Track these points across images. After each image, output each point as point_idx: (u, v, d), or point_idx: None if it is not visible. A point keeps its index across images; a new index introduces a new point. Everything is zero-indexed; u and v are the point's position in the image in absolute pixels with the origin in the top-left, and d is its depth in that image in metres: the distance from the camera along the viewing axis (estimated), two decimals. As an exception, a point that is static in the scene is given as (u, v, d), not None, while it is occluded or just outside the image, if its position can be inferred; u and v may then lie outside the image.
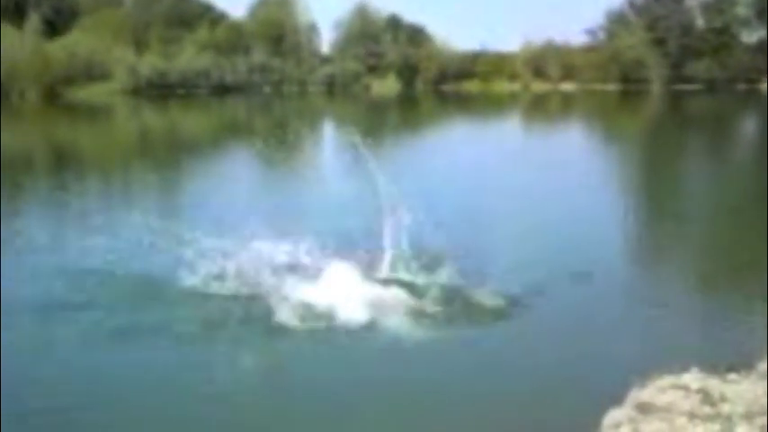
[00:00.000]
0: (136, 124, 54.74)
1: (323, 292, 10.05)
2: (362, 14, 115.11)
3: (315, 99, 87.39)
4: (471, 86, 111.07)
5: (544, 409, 7.16)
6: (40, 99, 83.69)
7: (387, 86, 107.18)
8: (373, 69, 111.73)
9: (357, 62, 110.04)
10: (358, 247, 11.35)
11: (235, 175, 25.30)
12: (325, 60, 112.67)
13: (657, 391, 6.57)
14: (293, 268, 10.87)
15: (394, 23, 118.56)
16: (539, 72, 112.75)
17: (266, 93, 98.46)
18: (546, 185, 21.31)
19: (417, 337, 9.04)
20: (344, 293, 9.92)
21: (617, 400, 6.45)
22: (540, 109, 73.88)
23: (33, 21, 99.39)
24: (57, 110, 69.22)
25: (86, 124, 54.02)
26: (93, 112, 66.03)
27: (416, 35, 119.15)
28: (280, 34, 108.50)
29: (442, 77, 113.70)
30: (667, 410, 6.17)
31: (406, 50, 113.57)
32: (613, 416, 6.27)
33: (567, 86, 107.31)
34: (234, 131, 46.27)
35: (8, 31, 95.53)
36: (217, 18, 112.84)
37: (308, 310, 9.58)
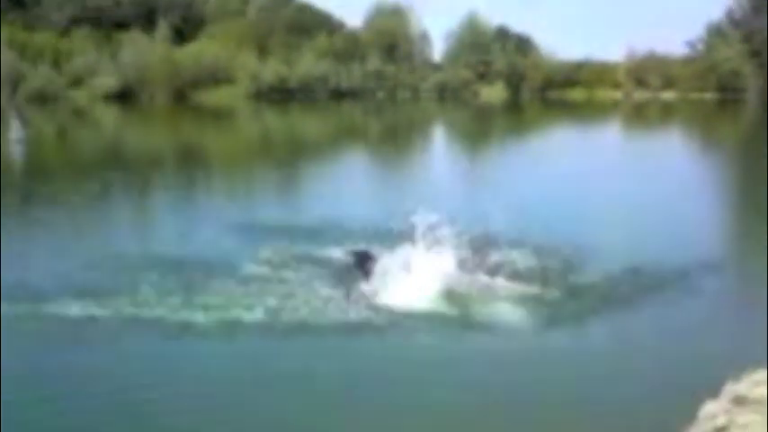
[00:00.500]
0: (258, 126, 56.17)
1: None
2: (472, 25, 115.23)
3: (426, 104, 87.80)
4: (575, 94, 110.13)
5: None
6: (169, 102, 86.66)
7: (494, 93, 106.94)
8: (482, 77, 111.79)
9: (467, 70, 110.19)
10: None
11: (350, 173, 25.80)
12: (437, 68, 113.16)
13: (752, 384, 6.60)
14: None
15: (502, 33, 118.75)
16: (640, 81, 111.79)
17: (380, 98, 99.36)
18: (648, 190, 21.04)
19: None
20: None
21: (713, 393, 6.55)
22: (640, 117, 72.51)
23: (163, 29, 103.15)
24: (183, 112, 71.50)
25: (211, 126, 55.68)
26: (218, 115, 68.01)
27: (523, 45, 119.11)
28: (394, 43, 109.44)
29: (548, 85, 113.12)
30: (760, 403, 6.22)
31: (513, 59, 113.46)
32: (709, 408, 6.36)
33: (667, 95, 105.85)
34: (350, 134, 47.03)
35: (140, 38, 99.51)
36: (335, 27, 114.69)
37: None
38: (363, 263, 11.32)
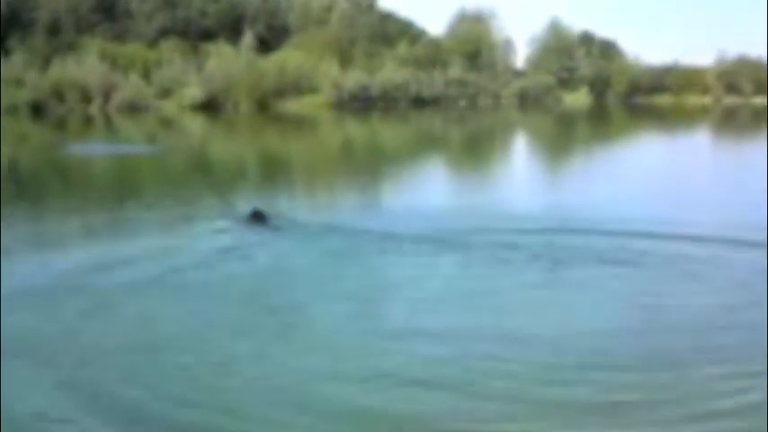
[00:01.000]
0: (339, 134, 56.23)
1: None
2: (556, 30, 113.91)
3: (508, 111, 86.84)
4: (662, 100, 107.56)
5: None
6: (252, 111, 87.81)
7: (578, 99, 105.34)
8: (566, 83, 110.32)
9: (550, 76, 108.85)
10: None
11: (430, 180, 25.35)
12: (519, 74, 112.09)
13: None
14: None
15: (587, 38, 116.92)
16: (731, 86, 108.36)
17: (461, 105, 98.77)
18: (741, 198, 19.97)
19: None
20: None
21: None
22: (731, 122, 70.10)
23: (248, 39, 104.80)
24: (266, 121, 72.22)
25: (294, 134, 56.01)
26: (300, 123, 68.47)
27: (608, 49, 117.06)
28: (476, 49, 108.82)
29: (634, 91, 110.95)
30: None
31: (598, 64, 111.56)
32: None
33: (759, 101, 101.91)
34: (430, 141, 46.59)
35: (225, 48, 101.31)
36: (417, 35, 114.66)
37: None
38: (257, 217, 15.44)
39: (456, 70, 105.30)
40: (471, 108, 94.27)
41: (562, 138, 49.39)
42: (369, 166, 31.62)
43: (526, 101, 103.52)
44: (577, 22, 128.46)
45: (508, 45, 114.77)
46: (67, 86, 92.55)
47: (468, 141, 47.48)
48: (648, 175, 26.03)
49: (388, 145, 45.52)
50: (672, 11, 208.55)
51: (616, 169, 28.65)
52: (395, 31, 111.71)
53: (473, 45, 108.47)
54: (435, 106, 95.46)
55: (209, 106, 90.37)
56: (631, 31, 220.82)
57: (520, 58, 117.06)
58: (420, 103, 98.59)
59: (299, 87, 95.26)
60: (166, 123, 68.77)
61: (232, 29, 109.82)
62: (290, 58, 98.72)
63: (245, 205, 17.05)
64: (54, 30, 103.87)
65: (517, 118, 75.72)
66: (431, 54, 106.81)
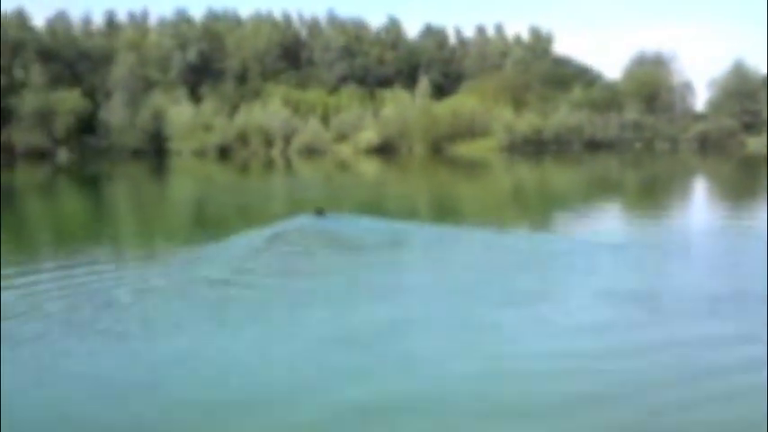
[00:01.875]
0: (510, 178, 55.31)
1: None
2: (739, 72, 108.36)
3: (686, 156, 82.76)
4: None
5: None
6: (426, 154, 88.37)
7: (763, 144, 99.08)
8: (749, 127, 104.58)
9: (732, 119, 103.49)
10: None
11: (603, 227, 24.10)
12: (698, 117, 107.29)
13: None
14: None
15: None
16: None
17: (637, 149, 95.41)
18: None
19: None
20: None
21: None
22: None
23: (424, 84, 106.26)
24: (440, 164, 72.33)
25: (465, 177, 55.64)
26: (472, 167, 68.03)
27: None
28: (654, 92, 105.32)
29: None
30: None
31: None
32: None
33: None
34: (603, 187, 44.85)
35: (401, 93, 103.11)
36: (592, 79, 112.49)
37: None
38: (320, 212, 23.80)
39: (632, 113, 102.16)
40: (648, 152, 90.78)
41: (746, 185, 46.22)
42: (539, 209, 30.65)
43: (706, 145, 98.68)
44: (762, 63, 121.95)
45: (687, 88, 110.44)
46: (252, 131, 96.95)
47: (644, 186, 45.37)
48: None
49: (559, 189, 44.24)
50: None
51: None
52: (570, 76, 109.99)
53: (651, 88, 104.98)
54: (610, 150, 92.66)
55: (384, 150, 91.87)
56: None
57: (699, 101, 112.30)
58: (594, 146, 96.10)
59: (473, 131, 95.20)
60: (343, 166, 70.22)
61: (408, 75, 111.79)
62: (463, 102, 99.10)
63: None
64: (242, 77, 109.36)
65: (697, 163, 71.93)
66: (606, 97, 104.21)
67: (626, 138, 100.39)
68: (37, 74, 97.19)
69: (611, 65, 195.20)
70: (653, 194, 38.91)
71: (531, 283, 13.91)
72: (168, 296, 13.35)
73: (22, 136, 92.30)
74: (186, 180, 57.72)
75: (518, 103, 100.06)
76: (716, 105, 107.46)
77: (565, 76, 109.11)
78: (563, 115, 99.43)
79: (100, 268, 16.17)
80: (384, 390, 8.69)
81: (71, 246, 20.88)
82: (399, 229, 22.32)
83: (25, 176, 61.50)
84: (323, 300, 12.92)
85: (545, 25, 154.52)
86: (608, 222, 26.30)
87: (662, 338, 10.32)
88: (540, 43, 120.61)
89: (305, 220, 23.42)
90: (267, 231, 21.09)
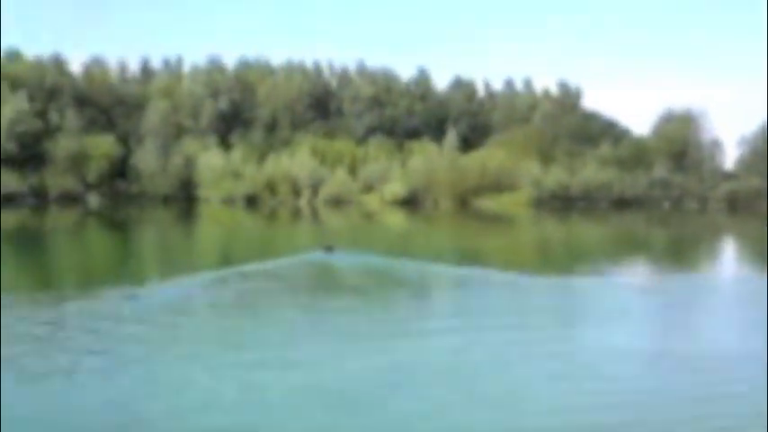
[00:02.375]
0: (536, 232, 55.14)
1: None
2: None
3: (715, 215, 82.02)
4: None
5: None
6: (452, 207, 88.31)
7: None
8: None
9: (762, 179, 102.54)
10: None
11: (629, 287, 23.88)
12: (728, 176, 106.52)
13: None
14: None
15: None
16: None
17: (665, 207, 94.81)
18: None
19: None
20: None
21: None
22: None
23: (451, 137, 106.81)
24: (466, 217, 72.24)
25: (491, 231, 55.53)
26: (498, 221, 67.91)
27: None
28: (682, 150, 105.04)
29: None
30: None
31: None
32: None
33: None
34: (630, 244, 44.55)
35: (429, 146, 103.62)
36: (620, 134, 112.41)
37: None
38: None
39: (660, 171, 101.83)
40: (676, 210, 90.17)
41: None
42: (563, 265, 30.47)
43: (735, 204, 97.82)
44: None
45: (716, 145, 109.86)
46: (280, 180, 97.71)
47: (671, 246, 45.00)
48: None
49: (585, 245, 43.97)
50: None
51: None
52: (598, 131, 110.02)
53: (679, 145, 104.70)
54: (638, 207, 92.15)
55: (410, 202, 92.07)
56: None
57: (729, 160, 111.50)
58: (622, 203, 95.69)
59: (499, 185, 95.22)
60: (368, 217, 70.39)
61: (437, 127, 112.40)
62: (491, 155, 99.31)
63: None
64: (272, 126, 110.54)
65: (726, 222, 71.29)
66: (634, 154, 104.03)
67: (654, 196, 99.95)
68: (72, 119, 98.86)
69: (639, 120, 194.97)
70: (681, 252, 38.59)
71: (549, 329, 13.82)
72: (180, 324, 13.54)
73: (55, 180, 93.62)
74: (213, 226, 58.19)
75: (545, 158, 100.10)
76: (746, 164, 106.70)
77: (593, 131, 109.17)
78: (591, 171, 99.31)
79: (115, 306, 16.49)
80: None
81: (93, 285, 21.10)
82: (410, 268, 22.56)
83: (56, 220, 62.22)
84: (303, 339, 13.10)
85: (574, 80, 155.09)
86: (633, 273, 26.14)
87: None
88: (568, 97, 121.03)
89: (314, 256, 25.89)
90: (271, 265, 23.29)
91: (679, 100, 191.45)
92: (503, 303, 19.00)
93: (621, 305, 18.59)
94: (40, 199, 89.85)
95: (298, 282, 22.18)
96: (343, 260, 25.87)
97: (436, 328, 15.21)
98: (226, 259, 30.40)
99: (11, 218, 61.58)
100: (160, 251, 35.32)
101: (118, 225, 57.27)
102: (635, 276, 27.27)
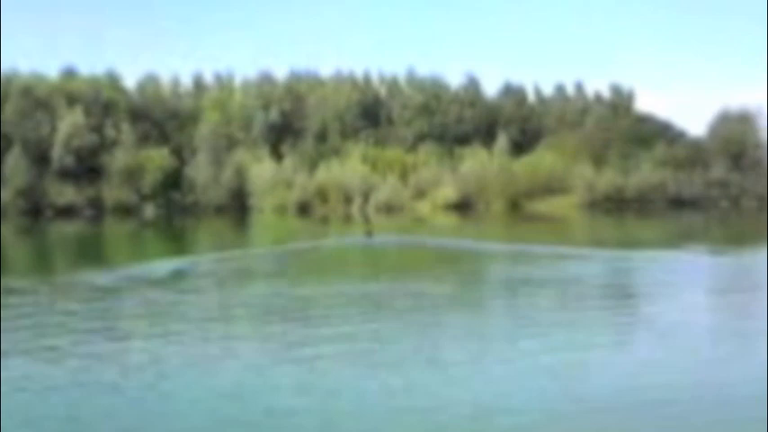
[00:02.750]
0: (590, 230, 54.63)
1: None
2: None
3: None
4: None
5: None
6: (504, 211, 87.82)
7: None
8: None
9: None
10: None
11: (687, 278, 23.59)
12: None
13: None
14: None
15: None
16: None
17: (723, 207, 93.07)
18: None
19: None
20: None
21: None
22: None
23: (502, 142, 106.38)
24: (517, 220, 71.79)
25: (543, 229, 55.18)
26: (551, 223, 67.35)
27: None
28: (740, 150, 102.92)
29: None
30: None
31: None
32: None
33: None
34: (688, 240, 43.85)
35: (479, 151, 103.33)
36: (675, 136, 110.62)
37: None
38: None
39: (718, 171, 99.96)
40: (734, 210, 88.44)
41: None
42: (616, 262, 30.15)
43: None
44: None
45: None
46: (331, 188, 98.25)
47: (732, 238, 44.22)
48: None
49: (641, 239, 43.43)
50: None
51: None
52: (652, 133, 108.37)
53: (737, 145, 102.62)
54: (695, 207, 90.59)
55: (462, 207, 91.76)
56: None
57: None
58: (678, 204, 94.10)
59: (551, 188, 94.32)
60: (420, 221, 70.39)
61: (487, 132, 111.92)
62: (542, 159, 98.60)
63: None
64: (322, 135, 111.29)
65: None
66: (690, 155, 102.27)
67: (712, 195, 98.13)
68: (127, 133, 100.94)
69: (695, 121, 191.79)
70: (740, 244, 37.91)
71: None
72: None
73: (112, 192, 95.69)
74: (266, 230, 58.84)
75: (598, 161, 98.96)
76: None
77: (647, 134, 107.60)
78: (645, 173, 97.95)
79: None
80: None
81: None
82: (451, 244, 23.39)
83: (113, 230, 63.52)
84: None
85: (626, 82, 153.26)
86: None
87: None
88: (621, 100, 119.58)
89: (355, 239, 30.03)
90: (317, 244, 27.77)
91: (735, 99, 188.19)
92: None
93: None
94: (96, 210, 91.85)
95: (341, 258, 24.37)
96: (381, 242, 30.69)
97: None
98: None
99: (70, 228, 63.10)
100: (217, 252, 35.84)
101: (175, 234, 58.22)
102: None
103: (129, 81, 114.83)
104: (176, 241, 47.76)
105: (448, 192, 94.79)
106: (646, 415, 8.58)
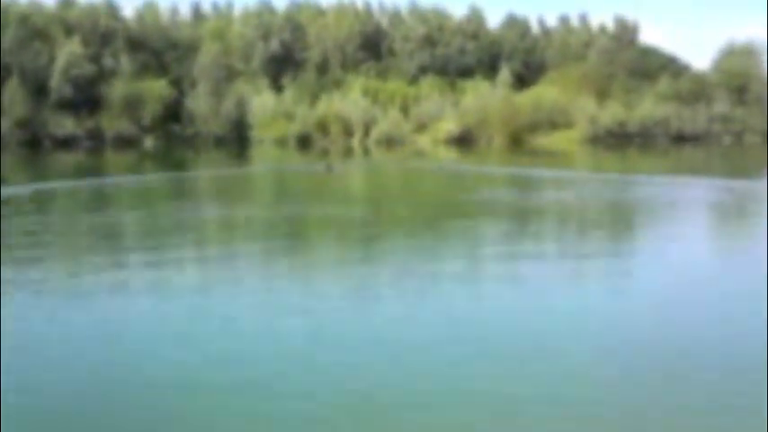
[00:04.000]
0: (590, 166, 54.45)
1: None
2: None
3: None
4: None
5: None
6: (505, 144, 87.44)
7: None
8: None
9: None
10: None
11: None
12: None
13: None
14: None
15: None
16: None
17: (726, 142, 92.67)
18: None
19: None
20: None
21: None
22: None
23: (504, 75, 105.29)
24: (518, 154, 71.50)
25: (544, 163, 55.02)
26: (553, 155, 67.11)
27: None
28: (744, 84, 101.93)
29: None
30: None
31: None
32: None
33: None
34: (691, 172, 43.71)
35: (482, 84, 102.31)
36: (679, 69, 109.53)
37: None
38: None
39: (721, 105, 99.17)
40: (737, 145, 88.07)
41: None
42: (617, 188, 30.05)
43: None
44: None
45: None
46: (332, 120, 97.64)
47: (735, 170, 44.08)
48: None
49: (643, 171, 43.30)
50: None
51: None
52: (656, 66, 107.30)
53: (741, 79, 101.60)
54: (698, 143, 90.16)
55: (463, 140, 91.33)
56: None
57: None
58: (680, 139, 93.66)
59: (554, 122, 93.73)
60: (420, 154, 70.10)
61: (489, 65, 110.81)
62: (545, 93, 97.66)
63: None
64: (323, 68, 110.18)
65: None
66: (694, 89, 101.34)
67: (714, 131, 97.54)
68: (125, 63, 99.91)
69: (699, 55, 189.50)
70: (743, 173, 37.79)
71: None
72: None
73: (111, 123, 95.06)
74: (264, 163, 58.68)
75: (602, 94, 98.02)
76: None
77: (651, 67, 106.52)
78: (649, 107, 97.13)
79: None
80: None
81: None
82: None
83: (114, 160, 63.35)
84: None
85: (631, 15, 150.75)
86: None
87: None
88: (625, 33, 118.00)
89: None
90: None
91: (740, 33, 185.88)
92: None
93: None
94: (96, 142, 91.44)
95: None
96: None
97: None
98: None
99: (69, 159, 62.94)
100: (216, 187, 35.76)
101: (174, 165, 58.02)
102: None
103: (128, 10, 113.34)
104: (177, 175, 47.65)
105: (449, 125, 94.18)
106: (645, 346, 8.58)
